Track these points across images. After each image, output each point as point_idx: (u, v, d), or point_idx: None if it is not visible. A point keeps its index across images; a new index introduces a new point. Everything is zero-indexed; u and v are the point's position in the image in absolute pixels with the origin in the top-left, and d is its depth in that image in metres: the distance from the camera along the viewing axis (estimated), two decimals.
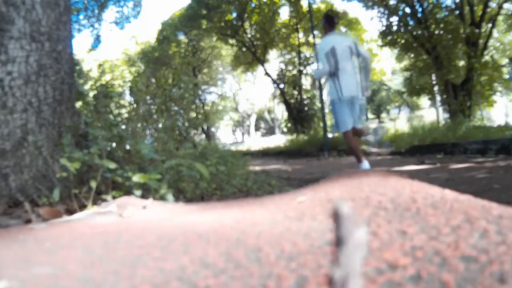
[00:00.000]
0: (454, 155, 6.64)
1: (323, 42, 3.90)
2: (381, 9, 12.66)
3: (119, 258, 0.56)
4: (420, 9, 11.60)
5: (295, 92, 15.61)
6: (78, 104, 3.11)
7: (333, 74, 3.72)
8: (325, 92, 12.72)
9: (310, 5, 12.56)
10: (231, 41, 17.73)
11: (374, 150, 3.83)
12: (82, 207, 1.62)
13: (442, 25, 11.37)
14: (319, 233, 0.57)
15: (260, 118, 39.88)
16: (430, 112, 23.84)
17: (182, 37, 20.38)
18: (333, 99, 3.81)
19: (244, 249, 0.53)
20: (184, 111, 3.47)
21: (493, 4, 11.27)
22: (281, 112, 30.34)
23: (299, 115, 15.18)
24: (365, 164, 3.77)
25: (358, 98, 3.78)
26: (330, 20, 4.01)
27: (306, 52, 16.96)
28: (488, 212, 0.55)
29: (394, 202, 0.69)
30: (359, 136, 4.01)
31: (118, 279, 0.46)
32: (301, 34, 16.37)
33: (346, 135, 3.85)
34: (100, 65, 10.88)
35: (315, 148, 10.78)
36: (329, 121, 14.14)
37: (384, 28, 12.83)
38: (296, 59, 16.13)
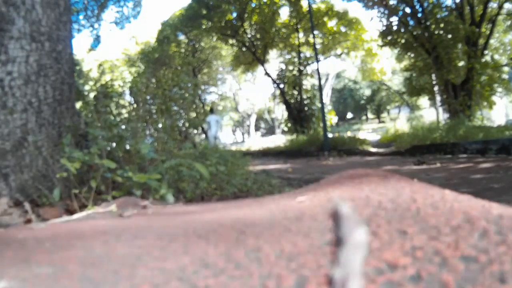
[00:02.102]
0: (454, 155, 6.64)
1: (209, 117, 10.70)
2: (381, 9, 12.65)
3: (119, 258, 0.56)
4: (420, 9, 11.60)
5: (295, 92, 15.60)
6: (78, 104, 3.10)
7: (208, 128, 10.72)
8: (324, 93, 12.93)
9: (310, 5, 12.56)
10: (231, 41, 17.71)
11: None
12: (82, 207, 1.62)
13: (442, 25, 11.36)
14: (319, 233, 0.57)
15: (260, 118, 39.88)
16: (430, 112, 23.80)
17: (182, 37, 20.36)
18: (208, 136, 10.65)
19: (244, 249, 0.53)
20: (184, 111, 3.47)
21: (493, 4, 11.27)
22: (281, 112, 30.31)
23: (299, 115, 15.17)
24: None
25: (216, 136, 10.41)
26: (212, 110, 12.34)
27: (306, 52, 16.94)
28: (488, 212, 0.55)
29: (394, 202, 0.69)
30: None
31: (118, 279, 0.46)
32: (301, 34, 16.35)
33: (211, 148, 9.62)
34: (100, 65, 10.88)
35: (315, 148, 10.78)
36: (329, 121, 14.13)
37: (384, 28, 12.83)
38: (296, 59, 16.10)
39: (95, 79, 4.93)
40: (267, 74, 16.92)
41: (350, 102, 42.24)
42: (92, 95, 3.71)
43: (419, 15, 11.59)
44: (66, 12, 2.25)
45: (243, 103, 34.36)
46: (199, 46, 20.92)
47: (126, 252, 0.59)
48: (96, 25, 14.25)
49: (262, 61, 17.00)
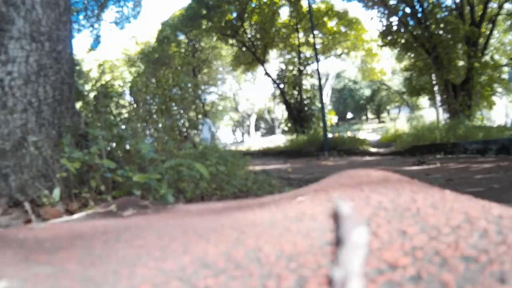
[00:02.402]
0: (454, 155, 6.64)
1: (205, 122, 9.90)
2: (381, 9, 12.66)
3: (119, 258, 0.56)
4: (420, 9, 11.60)
5: (295, 92, 15.60)
6: (78, 104, 3.10)
7: (201, 130, 7.78)
8: (324, 93, 13.00)
9: (310, 5, 12.56)
10: (231, 41, 17.71)
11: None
12: (82, 207, 1.62)
13: (442, 25, 11.37)
14: (319, 233, 0.57)
15: (260, 118, 39.87)
16: (430, 112, 23.80)
17: (182, 37, 20.37)
18: (202, 136, 9.08)
19: (244, 249, 0.53)
20: (184, 111, 3.48)
21: (493, 4, 11.27)
22: (281, 112, 30.30)
23: (299, 115, 15.17)
24: None
25: (208, 137, 9.76)
26: (205, 114, 14.94)
27: (306, 52, 16.94)
28: (488, 212, 0.55)
29: (394, 202, 0.69)
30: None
31: (118, 279, 0.46)
32: (301, 34, 16.35)
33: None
34: (100, 65, 10.90)
35: (315, 148, 10.78)
36: (329, 121, 14.16)
37: (384, 28, 12.83)
38: (296, 59, 16.11)
39: (95, 79, 4.93)
40: (267, 74, 16.92)
41: (350, 102, 42.22)
42: (92, 95, 3.71)
43: (419, 15, 11.59)
44: (66, 12, 2.25)
45: (243, 103, 34.35)
46: (199, 46, 20.93)
47: (126, 252, 0.59)
48: (96, 25, 14.25)
49: (262, 61, 17.00)
